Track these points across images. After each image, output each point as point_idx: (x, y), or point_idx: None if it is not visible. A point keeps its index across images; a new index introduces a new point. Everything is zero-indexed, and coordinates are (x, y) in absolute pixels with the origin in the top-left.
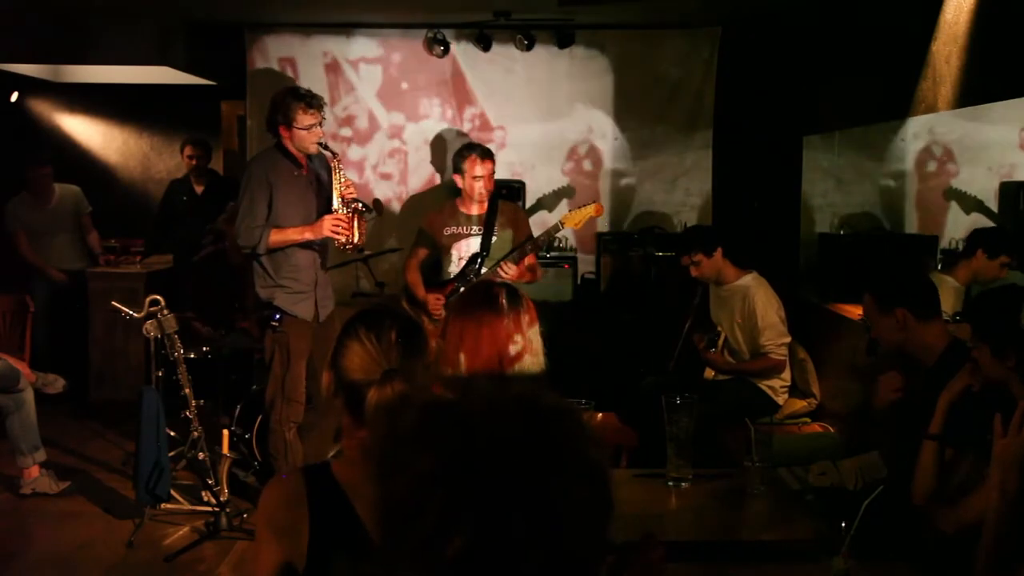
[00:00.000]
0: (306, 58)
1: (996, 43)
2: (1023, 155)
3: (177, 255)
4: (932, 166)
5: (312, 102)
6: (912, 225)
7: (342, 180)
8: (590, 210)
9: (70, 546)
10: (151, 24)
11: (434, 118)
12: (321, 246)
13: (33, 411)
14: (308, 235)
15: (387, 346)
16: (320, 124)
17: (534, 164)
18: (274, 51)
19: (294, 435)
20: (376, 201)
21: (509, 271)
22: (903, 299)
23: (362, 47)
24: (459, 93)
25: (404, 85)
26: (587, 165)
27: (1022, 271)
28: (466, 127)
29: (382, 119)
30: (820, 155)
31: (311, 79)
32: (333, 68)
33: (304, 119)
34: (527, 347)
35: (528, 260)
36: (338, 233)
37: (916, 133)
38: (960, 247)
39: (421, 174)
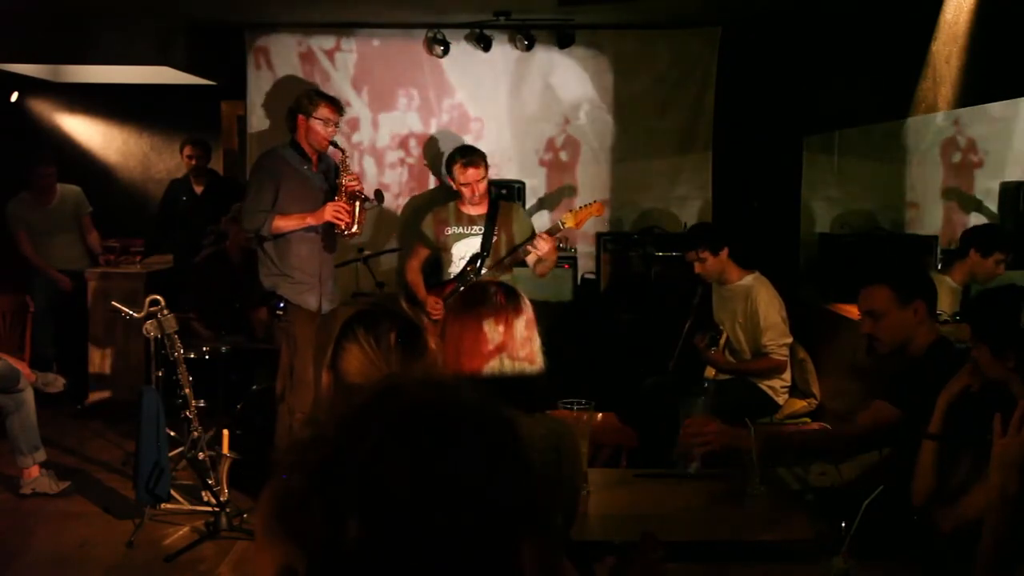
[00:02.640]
0: (280, 47)
1: (996, 43)
2: None
3: (177, 255)
4: (957, 157)
5: (335, 101)
6: (936, 220)
7: (349, 173)
8: (591, 210)
9: (70, 546)
10: (151, 24)
11: (412, 109)
12: (327, 240)
13: (33, 411)
14: (310, 220)
15: (387, 349)
16: (336, 125)
17: (511, 156)
18: (250, 41)
19: (300, 426)
20: (377, 191)
21: (543, 245)
22: (923, 292)
23: (338, 37)
24: (437, 83)
25: (380, 75)
26: (564, 156)
27: (1019, 268)
28: (444, 119)
29: (359, 109)
30: (820, 155)
31: (285, 69)
32: (308, 58)
33: (324, 111)
34: (526, 347)
35: (551, 242)
36: (339, 218)
37: (932, 127)
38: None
39: (404, 166)
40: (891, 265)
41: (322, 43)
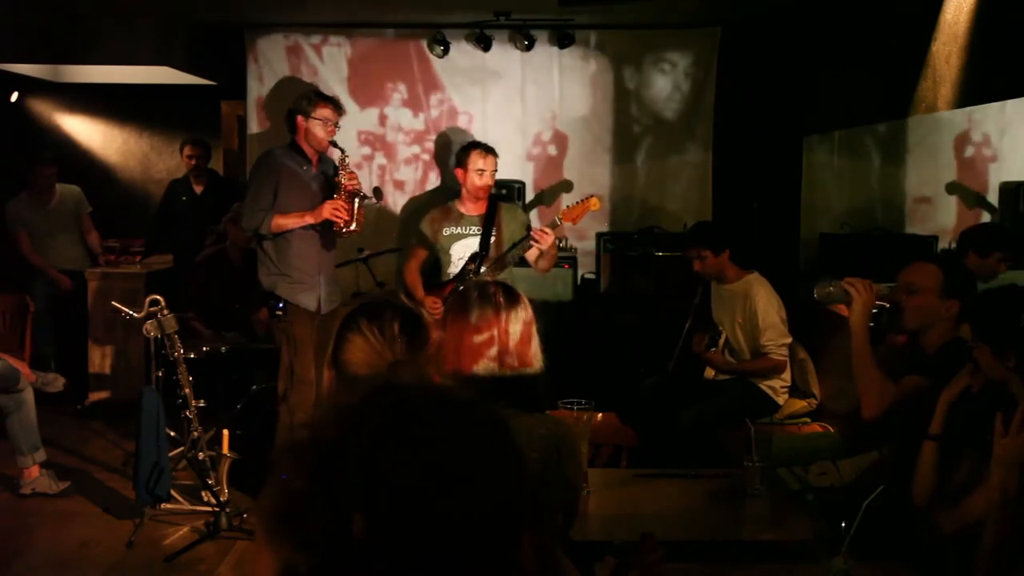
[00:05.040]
0: (267, 41)
1: (996, 43)
2: None
3: (177, 255)
4: (970, 151)
5: (334, 101)
6: (950, 214)
7: (347, 171)
8: (587, 204)
9: (70, 546)
10: (151, 24)
11: (398, 104)
12: (326, 239)
13: (33, 411)
14: (309, 219)
15: (390, 338)
16: (336, 125)
17: (500, 152)
18: (250, 41)
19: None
20: (376, 189)
21: (545, 238)
22: (965, 296)
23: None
24: (425, 78)
25: (369, 69)
26: (552, 150)
27: (1021, 268)
28: (433, 114)
29: (349, 104)
30: (820, 155)
31: (272, 63)
32: (295, 51)
33: (322, 111)
34: (525, 346)
35: (551, 235)
36: (337, 216)
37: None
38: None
39: (419, 162)
40: (948, 258)
41: (311, 38)
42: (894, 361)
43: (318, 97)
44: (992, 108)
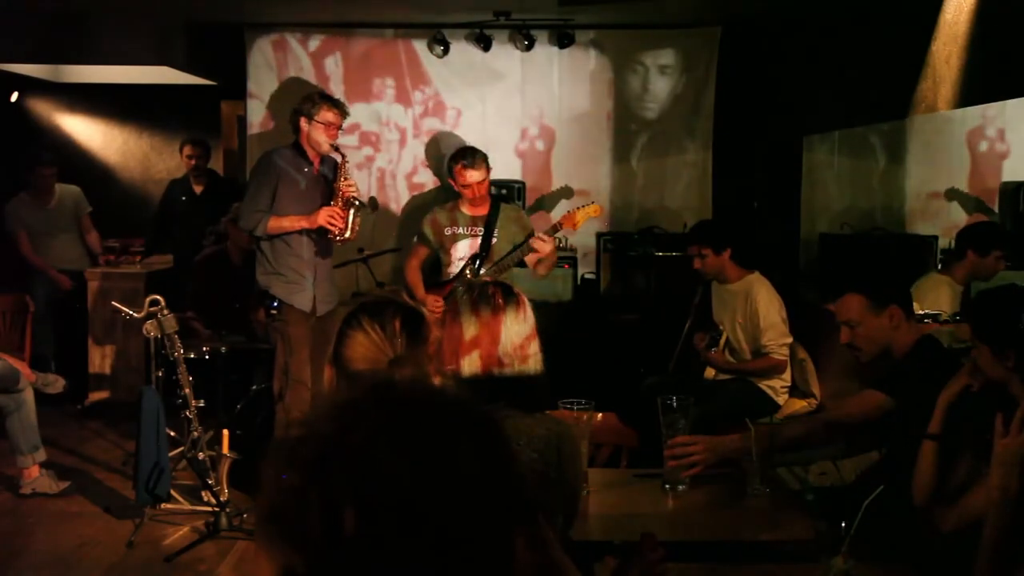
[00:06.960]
0: (266, 41)
1: (996, 43)
2: None
3: (177, 255)
4: (984, 146)
5: (337, 103)
6: (962, 213)
7: (346, 179)
8: (589, 211)
9: (70, 546)
10: (151, 24)
11: (386, 100)
12: (322, 241)
13: (33, 411)
14: (304, 224)
15: (391, 335)
16: (339, 128)
17: (487, 148)
18: (250, 41)
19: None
20: (372, 199)
21: (543, 245)
22: (897, 297)
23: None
24: (413, 73)
25: (361, 67)
26: (540, 145)
27: (1017, 268)
28: (417, 110)
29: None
30: (820, 155)
31: (271, 62)
32: (280, 45)
33: (326, 115)
34: (525, 347)
35: (551, 242)
36: (332, 224)
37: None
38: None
39: (399, 160)
40: (863, 272)
41: (307, 37)
42: (872, 365)
43: (322, 99)
44: (1002, 103)
